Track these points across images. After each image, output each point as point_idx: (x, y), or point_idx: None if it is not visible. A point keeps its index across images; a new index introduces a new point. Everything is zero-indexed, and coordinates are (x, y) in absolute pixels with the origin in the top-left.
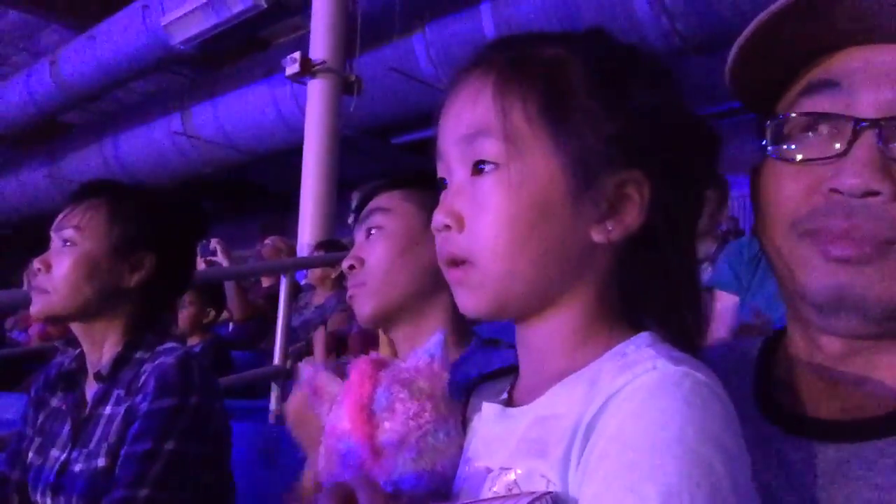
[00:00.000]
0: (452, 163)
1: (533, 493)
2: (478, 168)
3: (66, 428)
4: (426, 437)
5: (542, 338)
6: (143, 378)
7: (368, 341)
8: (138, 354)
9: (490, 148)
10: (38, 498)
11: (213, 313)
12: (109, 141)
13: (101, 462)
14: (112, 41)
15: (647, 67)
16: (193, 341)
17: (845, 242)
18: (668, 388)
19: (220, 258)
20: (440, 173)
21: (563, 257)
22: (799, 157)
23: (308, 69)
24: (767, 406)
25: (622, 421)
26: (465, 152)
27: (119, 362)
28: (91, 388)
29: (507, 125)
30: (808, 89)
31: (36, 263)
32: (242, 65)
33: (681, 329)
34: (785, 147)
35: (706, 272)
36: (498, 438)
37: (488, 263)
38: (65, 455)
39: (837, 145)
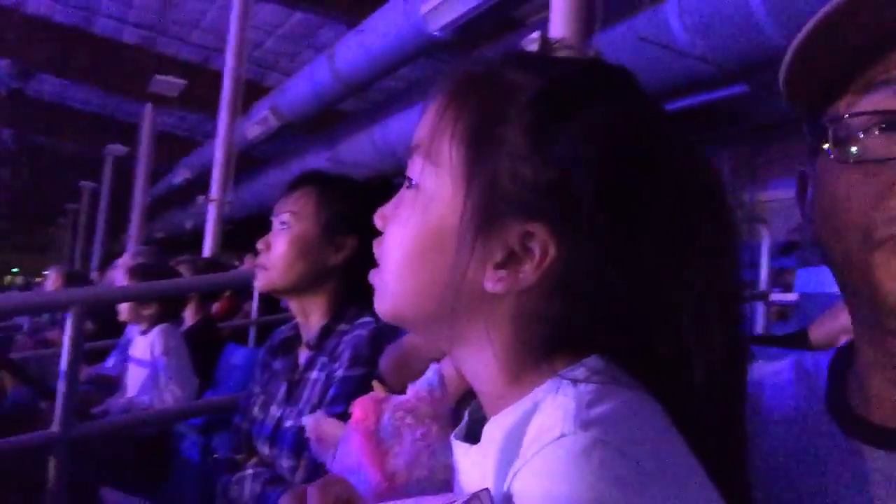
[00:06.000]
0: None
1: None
2: (408, 183)
3: (283, 388)
4: (435, 455)
5: (468, 373)
6: (341, 347)
7: None
8: (341, 326)
9: (416, 164)
10: (259, 447)
11: None
12: (378, 127)
13: None
14: (378, 34)
15: (600, 119)
16: None
17: None
18: (574, 465)
19: None
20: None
21: (455, 294)
22: (864, 158)
23: (548, 48)
24: (841, 418)
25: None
26: (409, 164)
27: (324, 333)
28: (303, 354)
29: (433, 145)
30: (867, 88)
31: (259, 244)
32: (494, 47)
33: (645, 360)
34: (846, 149)
35: None
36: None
37: (387, 274)
38: (280, 412)
39: None
